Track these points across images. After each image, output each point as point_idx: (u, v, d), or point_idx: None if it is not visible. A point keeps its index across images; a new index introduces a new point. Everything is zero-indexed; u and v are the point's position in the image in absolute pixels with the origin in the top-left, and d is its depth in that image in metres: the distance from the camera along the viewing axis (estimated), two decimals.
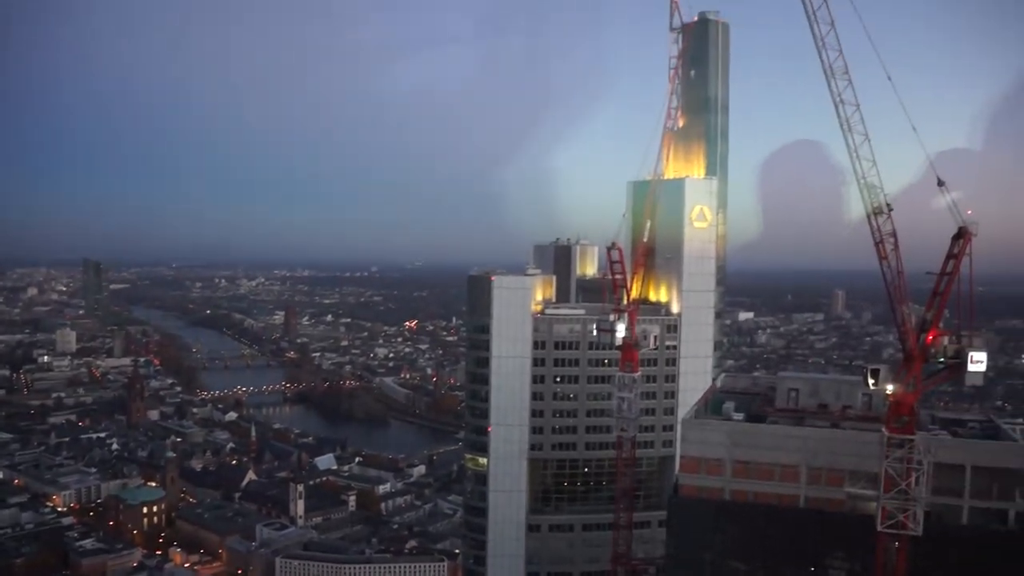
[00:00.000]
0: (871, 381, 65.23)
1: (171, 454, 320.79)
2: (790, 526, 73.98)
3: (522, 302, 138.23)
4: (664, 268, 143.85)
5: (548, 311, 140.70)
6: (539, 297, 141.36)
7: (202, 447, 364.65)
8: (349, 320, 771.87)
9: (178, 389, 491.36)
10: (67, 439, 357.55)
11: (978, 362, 62.21)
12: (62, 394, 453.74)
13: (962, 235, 60.21)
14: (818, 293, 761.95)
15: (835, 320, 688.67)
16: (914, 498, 62.51)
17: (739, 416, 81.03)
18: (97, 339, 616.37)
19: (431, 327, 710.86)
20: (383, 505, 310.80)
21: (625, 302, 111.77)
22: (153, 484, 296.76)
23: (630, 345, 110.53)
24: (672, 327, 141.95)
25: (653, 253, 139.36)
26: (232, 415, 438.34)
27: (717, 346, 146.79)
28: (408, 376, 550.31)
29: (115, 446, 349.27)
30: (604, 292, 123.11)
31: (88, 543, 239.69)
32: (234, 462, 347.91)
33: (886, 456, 62.76)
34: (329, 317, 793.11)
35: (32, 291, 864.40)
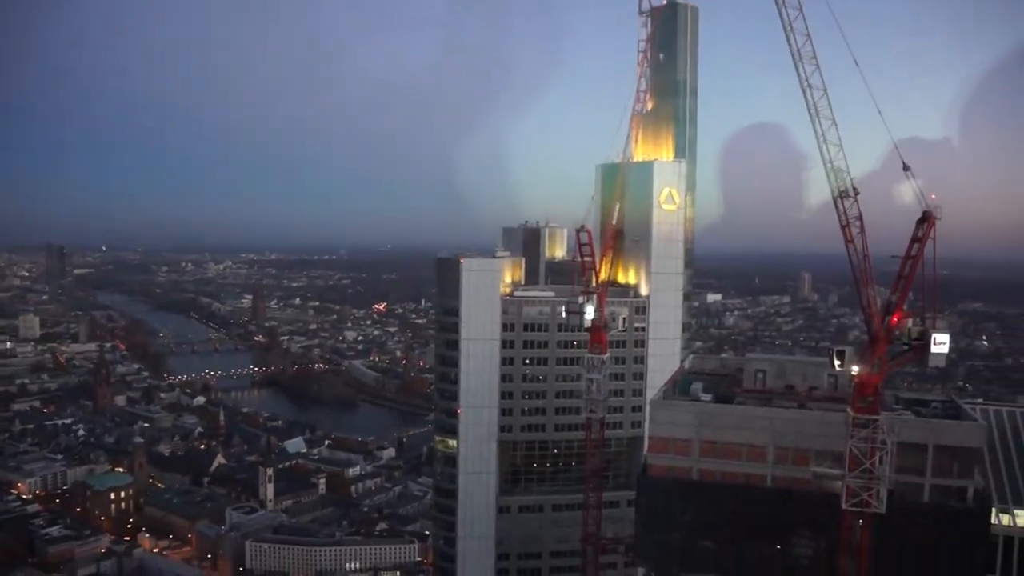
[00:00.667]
0: (837, 362, 66.26)
1: (139, 439, 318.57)
2: (757, 505, 74.91)
3: (491, 284, 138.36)
4: (633, 250, 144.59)
5: (517, 293, 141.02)
6: (508, 279, 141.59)
7: (170, 432, 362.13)
8: (318, 303, 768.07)
9: (145, 374, 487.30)
10: (32, 426, 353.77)
11: (941, 344, 63.36)
12: (26, 380, 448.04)
13: (926, 219, 61.15)
14: (785, 276, 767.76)
15: (802, 302, 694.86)
16: (878, 477, 63.68)
17: (707, 397, 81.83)
18: (61, 324, 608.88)
19: (400, 310, 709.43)
20: (353, 488, 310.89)
21: (594, 284, 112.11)
22: (121, 470, 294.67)
23: (599, 327, 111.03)
24: (641, 309, 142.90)
25: (622, 236, 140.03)
26: (200, 399, 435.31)
27: (685, 328, 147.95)
28: (377, 359, 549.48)
29: (81, 432, 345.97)
30: (573, 274, 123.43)
31: (55, 530, 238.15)
32: (203, 447, 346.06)
33: (851, 436, 63.83)
34: (297, 300, 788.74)
35: None
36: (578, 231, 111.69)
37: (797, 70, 66.32)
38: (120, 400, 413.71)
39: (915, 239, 61.50)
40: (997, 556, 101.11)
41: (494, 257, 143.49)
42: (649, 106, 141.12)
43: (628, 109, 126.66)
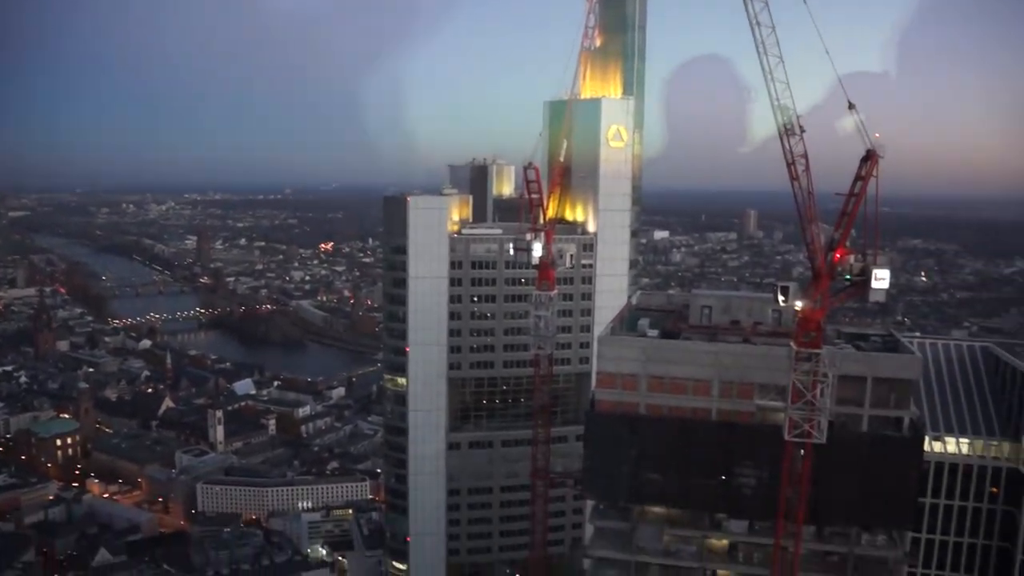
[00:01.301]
0: (781, 298, 67.16)
1: (84, 385, 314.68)
2: (703, 438, 76.27)
3: (438, 222, 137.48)
4: (580, 187, 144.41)
5: (465, 231, 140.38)
6: (456, 217, 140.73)
7: (116, 376, 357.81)
8: (263, 243, 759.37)
9: (88, 318, 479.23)
10: None
11: (881, 279, 64.38)
12: None
13: (869, 157, 61.63)
14: (731, 213, 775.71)
15: (747, 239, 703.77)
16: (819, 408, 65.10)
17: (654, 333, 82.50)
18: None
19: (347, 249, 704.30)
20: (303, 428, 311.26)
21: (541, 221, 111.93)
22: (66, 416, 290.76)
23: (547, 264, 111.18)
24: (588, 246, 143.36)
25: (569, 173, 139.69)
26: (146, 343, 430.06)
27: (632, 264, 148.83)
28: (325, 299, 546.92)
29: (23, 379, 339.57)
30: (521, 212, 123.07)
31: None
32: (150, 390, 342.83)
33: (794, 369, 64.93)
34: (243, 241, 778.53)
35: None
36: (525, 168, 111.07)
37: (746, 6, 65.85)
38: (63, 345, 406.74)
39: (858, 177, 61.96)
40: (929, 481, 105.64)
41: (441, 195, 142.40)
42: (597, 42, 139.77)
43: (576, 45, 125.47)
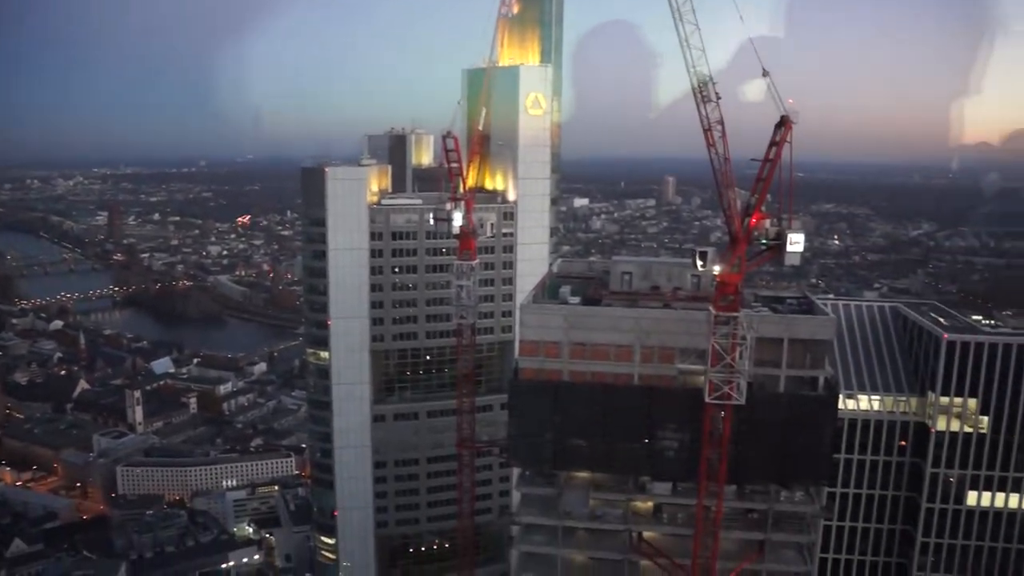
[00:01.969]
0: (699, 263, 67.92)
1: None
2: (625, 403, 76.98)
3: (357, 193, 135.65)
4: (500, 156, 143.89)
5: (384, 202, 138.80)
6: (375, 188, 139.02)
7: (26, 359, 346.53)
8: (178, 218, 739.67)
9: None
10: None
11: (796, 243, 65.63)
12: None
13: (783, 123, 62.52)
14: (650, 180, 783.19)
15: (666, 205, 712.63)
16: (738, 370, 66.31)
17: (575, 300, 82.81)
18: None
19: (265, 222, 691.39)
20: (225, 405, 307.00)
21: (461, 191, 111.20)
22: None
23: (467, 233, 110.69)
24: (509, 215, 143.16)
25: (489, 141, 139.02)
26: (57, 323, 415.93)
27: (553, 232, 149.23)
28: (244, 273, 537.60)
29: None
30: (440, 181, 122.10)
31: None
32: (63, 372, 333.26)
33: (713, 333, 65.95)
34: (157, 216, 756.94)
35: None
36: (444, 137, 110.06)
37: None
38: None
39: (773, 143, 62.86)
40: (843, 437, 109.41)
41: (359, 165, 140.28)
42: (515, 9, 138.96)
43: (494, 12, 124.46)
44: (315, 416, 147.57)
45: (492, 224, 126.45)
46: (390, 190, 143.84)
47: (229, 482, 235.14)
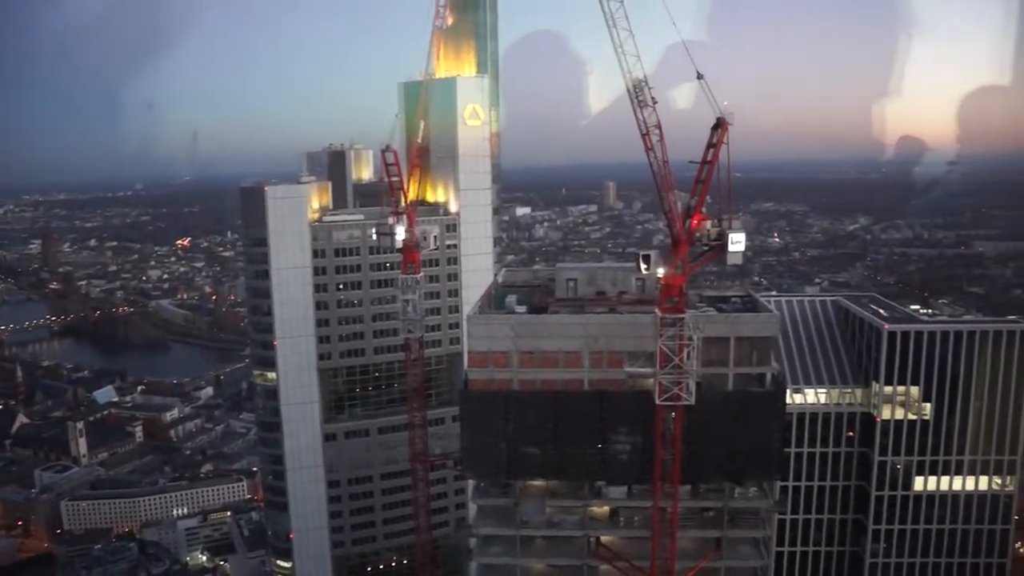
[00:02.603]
0: (643, 266, 68.37)
1: None
2: (577, 409, 77.05)
3: (298, 211, 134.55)
4: (440, 168, 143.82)
5: (326, 218, 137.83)
6: (316, 205, 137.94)
7: None
8: (116, 243, 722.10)
9: None
10: None
11: (737, 243, 66.45)
12: None
13: (720, 125, 63.30)
14: (591, 186, 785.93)
15: (608, 211, 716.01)
16: (687, 371, 66.85)
17: (522, 309, 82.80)
18: None
19: (205, 244, 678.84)
20: (172, 432, 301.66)
21: (403, 204, 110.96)
22: None
23: (411, 247, 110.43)
24: (451, 226, 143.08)
25: (428, 154, 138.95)
26: None
27: (496, 242, 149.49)
28: (185, 296, 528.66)
29: None
30: (382, 196, 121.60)
31: None
32: (0, 407, 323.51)
33: (660, 335, 66.43)
34: (93, 242, 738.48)
35: None
36: (384, 151, 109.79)
37: None
38: None
39: (710, 144, 63.57)
40: (792, 431, 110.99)
41: (299, 183, 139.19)
42: (449, 21, 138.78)
43: (429, 25, 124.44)
44: (265, 438, 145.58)
45: (435, 236, 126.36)
46: (331, 207, 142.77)
47: (180, 511, 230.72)
